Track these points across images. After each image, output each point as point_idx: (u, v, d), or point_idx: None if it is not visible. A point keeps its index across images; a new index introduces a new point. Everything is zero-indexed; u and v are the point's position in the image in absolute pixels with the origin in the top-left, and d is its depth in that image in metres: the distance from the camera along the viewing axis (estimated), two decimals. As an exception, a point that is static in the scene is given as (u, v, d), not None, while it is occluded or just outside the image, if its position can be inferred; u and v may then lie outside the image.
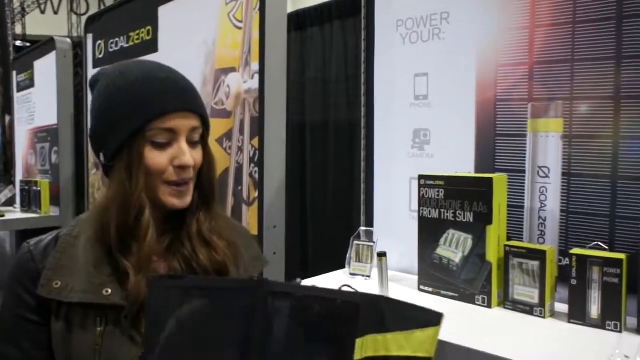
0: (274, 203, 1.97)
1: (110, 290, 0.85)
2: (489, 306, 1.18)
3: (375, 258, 1.38)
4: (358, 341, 0.79)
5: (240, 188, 2.04)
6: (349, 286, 0.94)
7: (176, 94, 0.88)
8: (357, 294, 0.87)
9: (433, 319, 0.79)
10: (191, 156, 0.88)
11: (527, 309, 1.13)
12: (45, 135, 3.54)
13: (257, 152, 1.94)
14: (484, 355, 0.94)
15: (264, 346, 0.82)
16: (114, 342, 0.83)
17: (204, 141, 0.93)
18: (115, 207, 0.86)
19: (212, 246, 0.92)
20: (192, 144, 0.89)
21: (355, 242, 1.46)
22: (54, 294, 0.84)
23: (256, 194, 1.97)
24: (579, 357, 0.92)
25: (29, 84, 3.72)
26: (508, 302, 1.17)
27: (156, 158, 0.86)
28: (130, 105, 0.86)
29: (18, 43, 5.91)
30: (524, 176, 1.30)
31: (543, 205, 1.26)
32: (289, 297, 0.83)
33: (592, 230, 1.18)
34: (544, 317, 1.11)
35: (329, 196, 1.92)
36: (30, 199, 3.37)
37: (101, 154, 0.90)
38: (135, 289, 0.84)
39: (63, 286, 0.85)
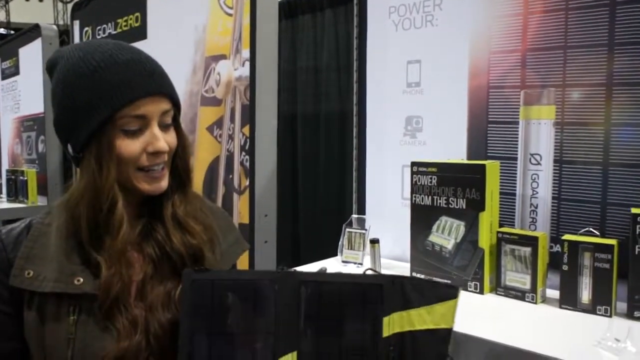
0: (265, 191, 1.96)
1: (82, 280, 0.82)
2: (481, 292, 1.18)
3: (368, 245, 1.39)
4: (385, 319, 0.85)
5: (231, 177, 2.03)
6: (372, 269, 0.95)
7: (144, 77, 0.84)
8: (380, 276, 0.92)
9: (451, 292, 0.84)
10: (165, 140, 0.85)
11: (519, 294, 1.14)
12: (31, 124, 3.49)
13: (248, 140, 1.93)
14: (478, 340, 0.95)
15: (297, 331, 0.86)
16: (87, 332, 0.81)
17: (176, 123, 0.90)
18: (85, 200, 0.83)
19: (186, 230, 0.90)
20: (164, 127, 0.86)
21: (347, 229, 1.46)
22: (26, 283, 0.82)
23: (247, 183, 1.96)
24: (571, 341, 0.93)
25: (14, 71, 3.66)
26: (500, 288, 1.17)
27: (128, 146, 0.83)
28: (96, 94, 0.81)
29: (2, 30, 5.80)
30: (515, 163, 1.30)
31: (535, 192, 1.26)
32: (318, 284, 0.88)
33: (583, 217, 1.19)
34: (535, 303, 1.11)
35: (320, 185, 1.91)
36: (16, 189, 3.33)
37: (69, 145, 0.85)
38: (107, 283, 0.81)
39: (35, 275, 0.82)
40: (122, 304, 0.83)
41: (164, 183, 0.88)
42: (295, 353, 0.85)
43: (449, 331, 0.83)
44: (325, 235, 1.82)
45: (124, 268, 0.84)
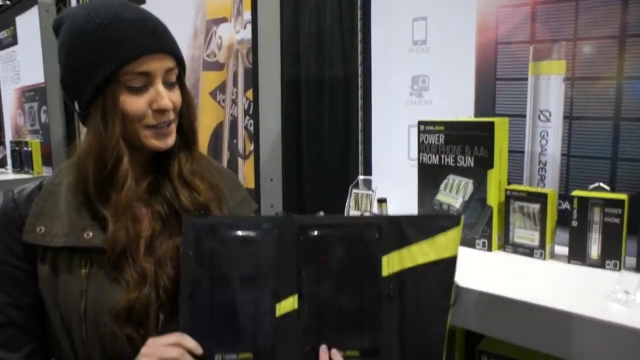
0: (270, 156, 1.95)
1: (91, 234, 0.84)
2: (490, 249, 1.18)
3: (375, 206, 1.38)
4: (384, 259, 0.86)
5: (235, 141, 2.02)
6: (368, 212, 0.95)
7: (148, 34, 0.84)
8: (377, 217, 0.93)
9: (452, 222, 0.85)
10: (169, 98, 0.86)
11: (527, 251, 1.14)
12: (33, 95, 3.46)
13: (252, 104, 1.91)
14: (486, 295, 0.95)
15: (298, 274, 0.87)
16: (98, 285, 0.84)
17: (180, 81, 0.91)
18: (92, 156, 0.85)
19: (193, 188, 0.91)
20: (168, 85, 0.87)
21: (354, 190, 1.45)
22: (38, 239, 0.84)
23: (252, 147, 1.95)
24: (580, 294, 0.93)
25: (12, 41, 3.61)
26: (508, 245, 1.17)
27: (133, 103, 0.84)
28: (100, 51, 0.82)
29: (-2, 0, 5.70)
30: (524, 121, 1.28)
31: (544, 149, 1.25)
32: (316, 227, 0.89)
33: (592, 173, 1.18)
34: (544, 259, 1.11)
35: (325, 149, 1.90)
36: (21, 160, 3.32)
37: (75, 103, 0.87)
38: (114, 236, 0.83)
39: (47, 231, 0.84)
40: (130, 256, 0.85)
41: (171, 139, 0.89)
42: (296, 296, 0.86)
43: (453, 260, 0.84)
44: (331, 198, 1.81)
45: (130, 222, 0.86)
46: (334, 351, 0.84)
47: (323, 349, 0.84)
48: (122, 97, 0.83)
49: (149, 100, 0.85)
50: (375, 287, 0.86)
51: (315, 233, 0.88)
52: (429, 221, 0.89)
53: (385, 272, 0.86)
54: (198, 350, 0.81)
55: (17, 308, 0.87)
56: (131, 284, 0.84)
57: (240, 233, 0.87)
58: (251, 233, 0.87)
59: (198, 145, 0.95)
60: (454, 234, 0.85)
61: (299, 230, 0.87)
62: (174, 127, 0.90)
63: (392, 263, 0.86)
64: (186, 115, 0.92)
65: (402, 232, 0.86)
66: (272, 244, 0.87)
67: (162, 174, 0.92)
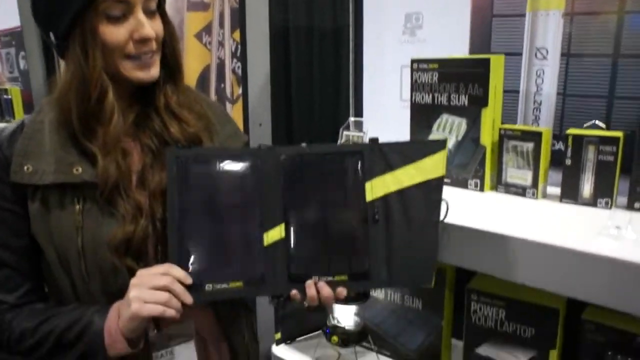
0: (259, 100, 1.91)
1: (80, 169, 0.82)
2: (482, 190, 1.17)
3: (366, 148, 1.36)
4: (367, 185, 0.88)
5: (223, 85, 1.96)
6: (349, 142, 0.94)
7: None
8: (359, 145, 0.93)
9: (438, 146, 0.88)
10: (151, 27, 0.82)
11: (519, 191, 1.13)
12: (9, 40, 3.32)
13: (239, 46, 1.84)
14: (478, 232, 0.94)
15: (283, 204, 0.87)
16: (93, 220, 0.83)
17: (161, 10, 0.87)
18: (74, 91, 0.81)
19: (182, 120, 0.89)
20: (149, 13, 0.83)
21: (345, 132, 1.42)
22: (26, 178, 0.82)
23: (240, 91, 1.90)
24: (572, 230, 0.92)
25: (-15, -18, 3.42)
26: (501, 185, 1.16)
27: (113, 33, 0.80)
28: None
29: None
30: (519, 59, 1.25)
31: (539, 88, 1.22)
32: (299, 157, 0.89)
33: (588, 113, 1.16)
34: (536, 198, 1.11)
35: (316, 92, 1.85)
36: (2, 108, 3.23)
37: (50, 34, 0.83)
38: (104, 171, 0.82)
39: (34, 170, 0.82)
40: (123, 190, 0.84)
41: (155, 70, 0.86)
42: (282, 225, 0.87)
43: (440, 179, 0.88)
44: (321, 142, 1.78)
45: (120, 156, 0.84)
46: (322, 284, 0.85)
47: (309, 283, 0.84)
48: (101, 27, 0.79)
49: (130, 30, 0.81)
50: (360, 212, 0.87)
51: (298, 163, 0.88)
52: (414, 147, 0.90)
53: (369, 196, 0.88)
54: (187, 279, 0.81)
55: (9, 250, 0.85)
56: (127, 217, 0.83)
57: (224, 164, 0.86)
58: (235, 164, 0.87)
59: (183, 76, 0.91)
60: (441, 156, 0.87)
61: (282, 161, 0.87)
62: (157, 58, 0.86)
63: (376, 188, 0.87)
64: (169, 45, 0.88)
65: (386, 158, 0.88)
66: (256, 175, 0.87)
67: (149, 107, 0.89)
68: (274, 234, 0.86)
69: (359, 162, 0.88)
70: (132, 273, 0.81)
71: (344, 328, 1.24)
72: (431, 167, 0.87)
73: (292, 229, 0.86)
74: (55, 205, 0.82)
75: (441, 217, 0.89)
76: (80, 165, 0.82)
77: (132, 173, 0.87)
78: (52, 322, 0.83)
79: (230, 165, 0.86)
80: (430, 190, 0.87)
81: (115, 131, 0.83)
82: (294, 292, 0.85)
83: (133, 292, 0.78)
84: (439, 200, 0.87)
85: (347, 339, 1.24)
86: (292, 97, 1.85)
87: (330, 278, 0.86)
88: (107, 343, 0.79)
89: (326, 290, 0.85)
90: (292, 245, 0.86)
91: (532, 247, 0.88)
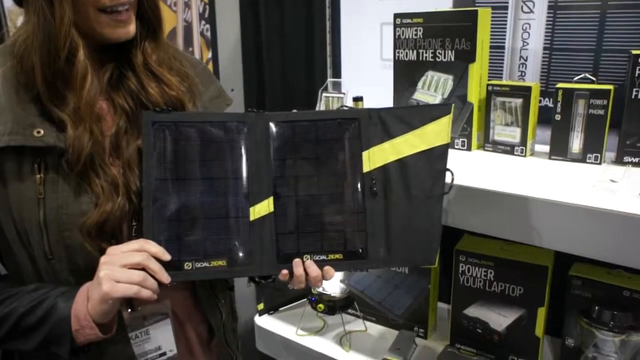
0: (230, 64, 1.82)
1: (42, 131, 0.71)
2: (469, 149, 1.14)
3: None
4: (364, 154, 0.81)
5: (191, 49, 1.85)
6: (346, 106, 0.88)
7: None
8: (355, 110, 0.87)
9: (442, 110, 0.81)
10: None
11: (507, 149, 1.10)
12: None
13: (207, 6, 1.74)
14: (466, 189, 0.91)
15: (272, 175, 0.80)
16: (59, 193, 0.73)
17: None
18: (37, 47, 0.70)
19: (162, 81, 0.80)
20: None
21: (324, 94, 1.36)
22: None
23: (210, 55, 1.80)
24: (564, 186, 0.90)
25: None
26: (488, 144, 1.13)
27: None
28: None
29: None
30: (505, 13, 1.20)
31: (525, 43, 1.18)
32: (290, 124, 0.81)
33: (575, 67, 1.13)
34: (524, 156, 1.08)
35: (290, 56, 1.77)
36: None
37: None
38: (76, 143, 0.72)
39: None
40: (97, 164, 0.74)
41: (132, 27, 0.76)
42: (271, 198, 0.80)
43: (445, 147, 0.81)
44: (297, 106, 1.72)
45: (94, 124, 0.74)
46: (310, 263, 0.79)
47: (297, 262, 0.78)
48: None
49: None
50: (356, 184, 0.81)
51: (288, 130, 0.81)
52: (415, 112, 0.82)
53: (366, 167, 0.81)
54: (165, 256, 0.74)
55: None
56: (102, 195, 0.73)
57: (207, 131, 0.78)
58: (220, 131, 0.79)
59: (163, 32, 0.82)
60: (445, 121, 0.80)
61: (271, 128, 0.80)
62: (132, 12, 0.76)
63: (374, 158, 0.81)
64: None
65: (384, 125, 0.81)
66: (242, 143, 0.79)
67: (124, 64, 0.79)
68: (261, 208, 0.79)
69: (356, 130, 0.81)
70: (102, 252, 0.73)
71: (329, 295, 1.21)
72: (435, 133, 0.80)
73: (281, 202, 0.79)
74: (12, 173, 0.72)
75: (446, 190, 0.81)
76: (42, 127, 0.72)
77: (105, 138, 0.77)
78: (10, 304, 0.73)
79: (214, 132, 0.78)
80: (434, 160, 0.80)
81: (88, 97, 0.73)
82: (285, 272, 0.78)
83: (104, 271, 0.69)
84: (443, 170, 0.80)
85: (334, 306, 1.21)
86: (264, 59, 1.76)
87: (323, 257, 0.79)
88: (75, 329, 0.71)
89: (314, 271, 0.78)
90: (281, 221, 0.79)
91: (524, 202, 0.85)
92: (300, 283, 0.78)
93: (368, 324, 1.33)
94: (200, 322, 0.90)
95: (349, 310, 1.30)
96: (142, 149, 0.76)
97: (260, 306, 1.36)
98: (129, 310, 0.78)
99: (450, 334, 1.21)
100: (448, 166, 0.81)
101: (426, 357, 1.20)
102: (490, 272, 1.12)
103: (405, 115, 0.82)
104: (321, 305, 1.21)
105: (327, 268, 0.79)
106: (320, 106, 1.38)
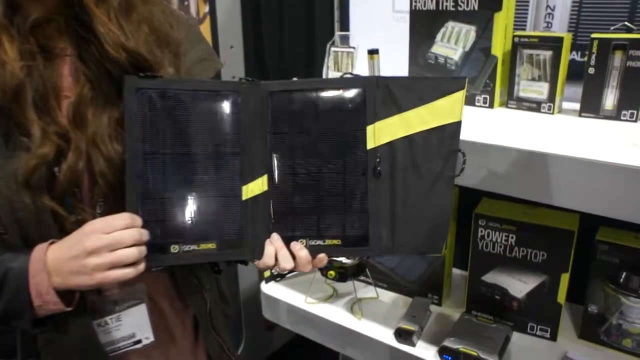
0: (229, 18, 1.70)
1: None
2: (491, 106, 1.06)
3: (357, 65, 1.22)
4: (369, 128, 0.73)
5: (186, 3, 1.74)
6: (350, 73, 0.79)
7: None
8: (360, 79, 0.76)
9: (455, 84, 0.72)
10: None
11: (533, 106, 1.03)
12: None
13: (203, -46, 1.61)
14: (488, 147, 0.84)
15: (266, 150, 0.72)
16: None
17: None
18: None
19: (125, 33, 0.66)
20: None
21: (333, 48, 1.27)
22: None
23: (207, 9, 1.69)
24: (599, 144, 0.83)
25: None
26: (512, 100, 1.05)
27: None
28: None
29: None
30: (530, -42, 1.11)
31: (553, -10, 1.09)
32: (288, 94, 0.73)
33: (607, 18, 1.04)
34: (552, 113, 1.01)
35: (293, 9, 1.67)
36: None
37: None
38: (12, 76, 0.61)
39: None
40: (37, 104, 0.63)
41: None
42: (265, 176, 0.72)
43: (457, 125, 0.72)
44: (299, 65, 1.63)
45: (38, 57, 0.63)
46: (298, 246, 0.71)
47: (275, 237, 0.71)
48: None
49: None
50: (359, 162, 0.73)
51: (286, 100, 0.72)
52: (427, 84, 0.74)
53: (370, 143, 0.72)
54: (144, 236, 0.65)
55: None
56: (38, 138, 0.63)
57: (197, 100, 0.70)
58: (210, 101, 0.71)
59: None
60: (459, 96, 0.72)
61: (266, 98, 0.72)
62: None
63: (380, 133, 0.72)
64: None
65: (393, 96, 0.72)
66: (235, 115, 0.71)
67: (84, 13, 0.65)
68: (254, 187, 0.72)
69: (360, 100, 0.72)
70: (56, 217, 0.65)
71: (341, 262, 1.15)
72: (447, 109, 0.72)
73: (276, 180, 0.73)
74: None
75: (457, 172, 0.74)
76: None
77: (60, 96, 0.67)
78: None
79: (205, 102, 0.70)
80: (445, 138, 0.72)
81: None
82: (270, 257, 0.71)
83: (93, 260, 0.61)
84: (455, 150, 0.73)
85: (345, 273, 1.15)
86: (264, 13, 1.65)
87: (319, 242, 0.72)
88: (37, 305, 0.63)
89: (304, 255, 0.71)
90: (276, 201, 0.72)
91: (554, 161, 0.78)
92: (282, 269, 0.71)
93: (379, 290, 1.28)
94: (182, 308, 0.82)
95: (361, 277, 1.25)
96: (125, 120, 0.67)
97: (267, 273, 1.30)
98: (98, 293, 0.70)
99: (467, 300, 1.17)
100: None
101: (441, 325, 1.16)
102: (512, 237, 1.07)
103: (416, 86, 0.73)
104: (332, 272, 1.15)
105: (321, 256, 0.72)
106: (329, 62, 1.29)
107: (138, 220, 0.66)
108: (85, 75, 0.67)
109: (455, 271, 1.29)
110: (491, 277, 1.12)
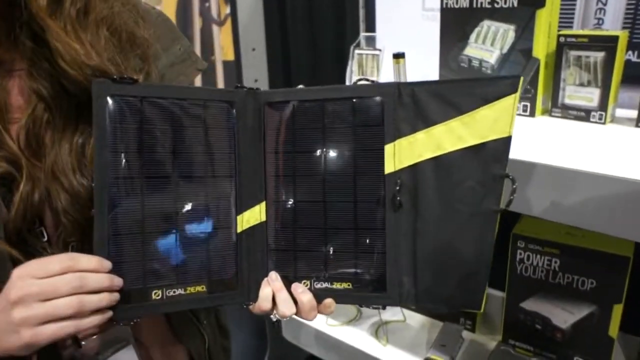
0: (250, 21, 1.63)
1: None
2: (532, 115, 0.95)
3: (383, 68, 1.12)
4: (388, 148, 0.60)
5: (207, 5, 1.68)
6: (366, 79, 0.69)
7: None
8: (378, 87, 0.64)
9: (503, 87, 0.56)
10: None
11: (582, 114, 0.91)
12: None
13: (224, -47, 1.55)
14: (528, 165, 0.72)
15: (264, 173, 0.62)
16: None
17: None
18: None
19: (86, 48, 0.56)
20: None
21: (357, 51, 1.18)
22: None
23: (228, 10, 1.63)
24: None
25: None
26: (556, 108, 0.94)
27: None
28: None
29: None
30: (578, -53, 0.98)
31: (604, -17, 0.97)
32: (290, 105, 0.62)
33: (668, 12, 0.91)
34: (604, 123, 0.89)
35: (317, 9, 1.58)
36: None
37: None
38: None
39: None
40: None
41: None
42: (263, 204, 0.62)
43: (506, 141, 0.56)
44: (324, 67, 1.54)
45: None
46: (301, 289, 0.61)
47: (295, 286, 0.60)
48: None
49: None
50: (374, 189, 0.60)
51: (288, 113, 0.61)
52: (464, 88, 0.58)
53: (390, 167, 0.60)
54: (106, 265, 0.54)
55: None
56: None
57: (183, 112, 0.59)
58: (199, 113, 0.60)
59: None
60: (508, 104, 0.56)
61: (265, 110, 0.61)
62: None
63: (402, 154, 0.59)
64: None
65: (419, 106, 0.59)
66: (228, 130, 0.61)
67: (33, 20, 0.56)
68: (250, 217, 0.62)
69: (378, 113, 0.59)
70: (15, 263, 0.54)
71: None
72: (491, 121, 0.56)
73: (275, 209, 0.62)
74: None
75: (503, 205, 0.58)
76: None
77: (8, 117, 0.58)
78: None
79: (193, 115, 0.59)
80: (488, 160, 0.57)
81: None
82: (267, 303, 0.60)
83: (18, 312, 0.49)
84: (501, 176, 0.57)
85: (368, 296, 1.06)
86: (288, 14, 1.57)
87: (326, 285, 0.61)
88: None
89: (306, 299, 0.60)
90: (274, 233, 0.63)
91: (603, 182, 0.67)
92: (283, 315, 0.60)
93: (407, 312, 1.18)
94: (177, 349, 0.74)
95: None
96: (93, 134, 0.56)
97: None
98: (72, 344, 0.60)
99: (503, 329, 1.05)
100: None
101: (475, 355, 1.05)
102: (555, 261, 0.95)
103: (449, 91, 0.58)
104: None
105: (328, 301, 0.61)
106: (352, 66, 1.20)
107: (83, 260, 0.53)
108: (37, 94, 0.57)
109: (491, 292, 1.18)
110: (531, 305, 1.00)
